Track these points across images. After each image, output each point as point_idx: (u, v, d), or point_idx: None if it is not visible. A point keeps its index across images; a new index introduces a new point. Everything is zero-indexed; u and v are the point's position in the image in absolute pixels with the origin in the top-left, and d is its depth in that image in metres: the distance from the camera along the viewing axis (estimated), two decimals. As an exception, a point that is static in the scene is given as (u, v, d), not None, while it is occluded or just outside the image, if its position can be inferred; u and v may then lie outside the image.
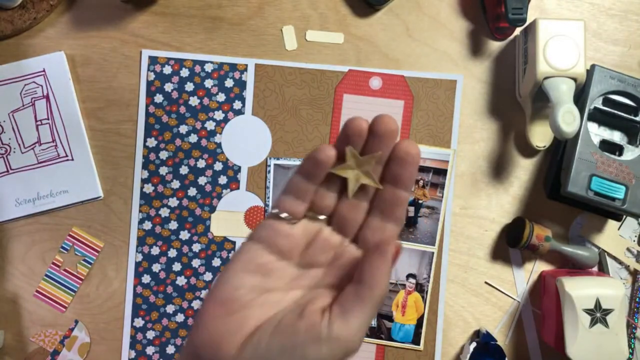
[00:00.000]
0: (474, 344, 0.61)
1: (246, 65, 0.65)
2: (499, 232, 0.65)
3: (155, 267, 0.65)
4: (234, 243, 0.65)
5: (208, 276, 0.65)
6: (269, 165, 0.65)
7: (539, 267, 0.65)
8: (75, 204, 0.64)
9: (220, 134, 0.65)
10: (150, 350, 0.64)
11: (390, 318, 0.64)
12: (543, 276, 0.64)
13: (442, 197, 0.65)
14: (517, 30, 0.65)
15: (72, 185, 0.64)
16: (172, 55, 0.65)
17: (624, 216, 0.64)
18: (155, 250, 0.65)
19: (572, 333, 0.57)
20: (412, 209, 0.65)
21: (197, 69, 0.65)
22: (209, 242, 0.65)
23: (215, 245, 0.65)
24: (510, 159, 0.66)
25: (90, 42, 0.65)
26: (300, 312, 0.32)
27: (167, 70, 0.65)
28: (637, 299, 0.64)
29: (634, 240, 0.65)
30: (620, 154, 0.59)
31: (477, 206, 0.65)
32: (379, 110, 0.65)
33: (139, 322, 0.64)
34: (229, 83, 0.65)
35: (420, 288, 0.64)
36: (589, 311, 0.57)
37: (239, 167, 0.65)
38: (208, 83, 0.65)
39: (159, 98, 0.65)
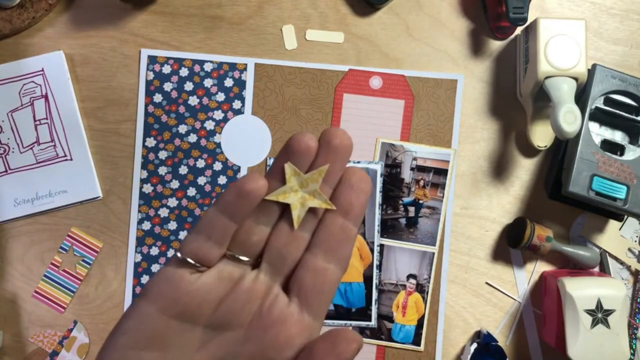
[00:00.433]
0: (474, 345, 0.61)
1: (246, 64, 0.65)
2: (499, 233, 0.65)
3: (155, 268, 0.64)
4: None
5: (207, 276, 0.65)
6: (269, 165, 0.65)
7: (540, 267, 0.65)
8: (74, 204, 0.64)
9: (220, 133, 0.65)
10: (149, 351, 0.64)
11: (390, 319, 0.64)
12: (544, 276, 0.64)
13: (443, 197, 0.65)
14: (518, 30, 0.65)
15: (71, 185, 0.64)
16: (171, 54, 0.65)
17: (625, 216, 0.64)
18: (154, 251, 0.64)
19: (573, 333, 0.57)
20: (412, 209, 0.64)
21: (197, 68, 0.65)
22: (208, 243, 0.65)
23: (214, 245, 0.65)
24: (511, 159, 0.65)
25: (89, 41, 0.65)
26: None
27: (167, 69, 0.65)
28: (638, 300, 0.64)
29: (635, 241, 0.65)
30: (622, 154, 0.59)
31: (478, 206, 0.65)
32: (380, 110, 0.65)
33: (138, 323, 0.64)
34: (228, 82, 0.65)
35: (420, 288, 0.64)
36: (590, 312, 0.57)
37: (239, 167, 0.65)
38: (207, 82, 0.65)
39: (158, 97, 0.65)
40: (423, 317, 0.64)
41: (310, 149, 0.27)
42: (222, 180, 0.65)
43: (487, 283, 0.65)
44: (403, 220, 0.64)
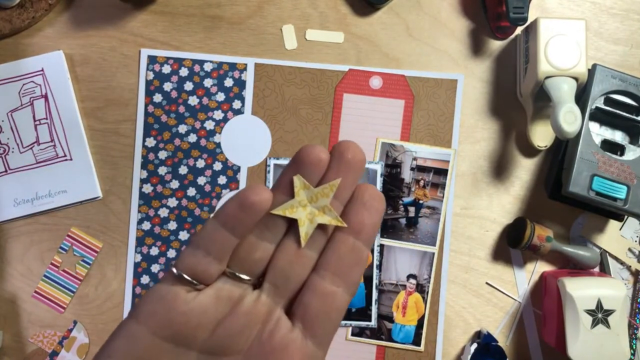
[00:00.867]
0: (474, 345, 0.61)
1: (246, 64, 0.65)
2: (499, 233, 0.65)
3: (154, 268, 0.64)
4: (233, 243, 0.65)
5: (207, 277, 0.65)
6: (269, 165, 0.65)
7: (540, 267, 0.65)
8: (74, 204, 0.64)
9: (220, 133, 0.65)
10: (149, 351, 0.64)
11: (390, 319, 0.64)
12: (544, 277, 0.64)
13: (443, 197, 0.65)
14: (518, 30, 0.65)
15: (71, 185, 0.64)
16: (171, 54, 0.65)
17: (626, 216, 0.64)
18: (154, 251, 0.64)
19: (573, 334, 0.57)
20: (412, 209, 0.64)
21: (197, 68, 0.65)
22: (208, 243, 0.64)
23: (214, 245, 0.64)
24: (511, 159, 0.65)
25: (89, 41, 0.65)
26: None
27: (166, 69, 0.64)
28: (638, 300, 0.64)
29: (636, 241, 0.65)
30: (622, 154, 0.59)
31: (478, 206, 0.65)
32: (380, 110, 0.65)
33: (138, 323, 0.64)
34: (228, 82, 0.65)
35: (420, 289, 0.64)
36: (590, 312, 0.57)
37: (239, 167, 0.65)
38: (207, 82, 0.65)
39: (158, 97, 0.65)
40: (423, 317, 0.64)
41: (322, 161, 0.25)
42: (222, 180, 0.65)
43: (487, 283, 0.65)
44: (403, 220, 0.64)
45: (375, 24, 0.65)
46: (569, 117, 0.53)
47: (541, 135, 0.63)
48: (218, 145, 0.65)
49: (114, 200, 0.64)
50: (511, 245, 0.63)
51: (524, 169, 0.65)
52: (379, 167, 0.64)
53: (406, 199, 0.64)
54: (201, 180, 0.65)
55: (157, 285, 0.25)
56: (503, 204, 0.65)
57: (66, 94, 0.64)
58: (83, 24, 0.65)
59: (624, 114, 0.59)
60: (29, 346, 0.64)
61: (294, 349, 0.25)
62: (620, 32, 0.66)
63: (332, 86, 0.65)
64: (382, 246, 0.64)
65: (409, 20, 0.66)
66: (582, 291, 0.57)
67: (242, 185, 0.65)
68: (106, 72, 0.65)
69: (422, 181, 0.64)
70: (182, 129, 0.65)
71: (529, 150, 0.65)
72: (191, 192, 0.64)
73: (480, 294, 0.65)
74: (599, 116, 0.60)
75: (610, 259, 0.64)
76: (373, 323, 0.64)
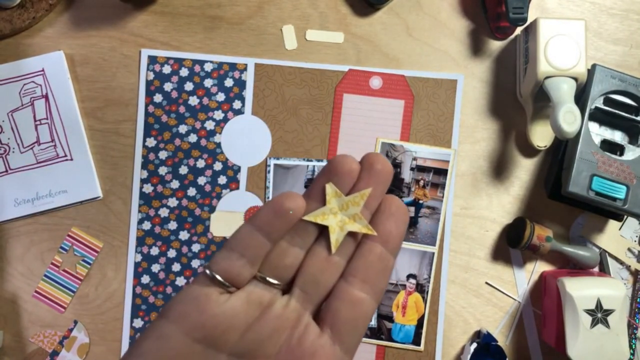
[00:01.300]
0: (474, 345, 0.61)
1: (246, 64, 0.65)
2: (499, 233, 0.65)
3: (155, 268, 0.64)
4: (233, 243, 0.65)
5: (208, 276, 0.65)
6: (269, 165, 0.65)
7: (540, 267, 0.65)
8: (74, 204, 0.64)
9: (220, 133, 0.65)
10: (149, 350, 0.64)
11: (390, 319, 0.64)
12: (544, 276, 0.64)
13: (443, 197, 0.65)
14: (518, 30, 0.65)
15: (71, 185, 0.64)
16: (171, 54, 0.65)
17: (625, 216, 0.64)
18: (154, 251, 0.64)
19: (573, 333, 0.57)
20: (412, 209, 0.64)
21: (197, 68, 0.65)
22: (208, 243, 0.65)
23: (214, 245, 0.65)
24: (511, 159, 0.65)
25: (89, 41, 0.65)
26: None
27: (167, 69, 0.65)
28: (638, 300, 0.64)
29: (635, 241, 0.65)
30: (622, 154, 0.59)
31: (478, 206, 0.65)
32: (379, 110, 0.65)
33: (139, 323, 0.64)
34: (228, 82, 0.65)
35: (420, 288, 0.64)
36: (589, 311, 0.57)
37: (239, 167, 0.65)
38: (207, 82, 0.65)
39: (158, 98, 0.65)
40: (423, 317, 0.64)
41: (353, 171, 0.26)
42: (222, 180, 0.65)
43: (487, 283, 0.65)
44: (403, 220, 0.64)
45: (375, 24, 0.65)
46: (569, 117, 0.53)
47: (541, 135, 0.64)
48: (218, 145, 0.65)
49: (114, 200, 0.64)
50: (511, 245, 0.64)
51: (524, 169, 0.65)
52: (378, 167, 0.64)
53: (406, 199, 0.64)
54: (201, 180, 0.65)
55: (189, 286, 0.25)
56: (503, 203, 0.65)
57: (66, 94, 0.64)
58: (83, 24, 0.65)
59: (624, 114, 0.59)
60: (30, 346, 0.64)
61: (323, 355, 0.25)
62: (619, 32, 0.66)
63: (332, 86, 0.65)
64: (382, 246, 0.64)
65: (409, 20, 0.66)
66: (581, 291, 0.57)
67: (242, 185, 0.65)
68: (106, 72, 0.65)
69: (422, 181, 0.65)
70: (183, 129, 0.65)
71: (528, 150, 0.65)
72: (191, 192, 0.65)
73: (480, 293, 0.65)
74: (598, 116, 0.60)
75: (609, 259, 0.64)
76: (373, 323, 0.64)
